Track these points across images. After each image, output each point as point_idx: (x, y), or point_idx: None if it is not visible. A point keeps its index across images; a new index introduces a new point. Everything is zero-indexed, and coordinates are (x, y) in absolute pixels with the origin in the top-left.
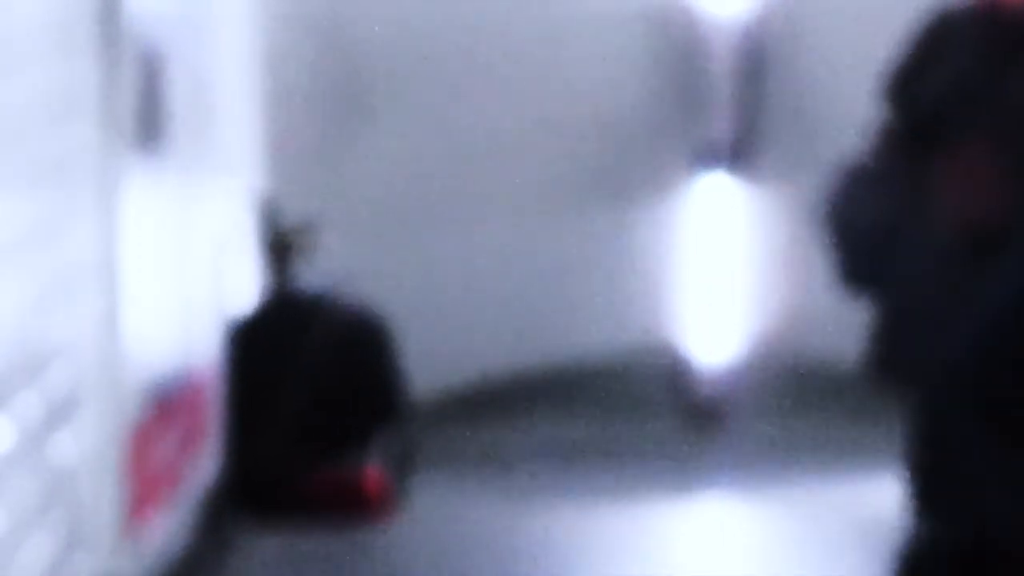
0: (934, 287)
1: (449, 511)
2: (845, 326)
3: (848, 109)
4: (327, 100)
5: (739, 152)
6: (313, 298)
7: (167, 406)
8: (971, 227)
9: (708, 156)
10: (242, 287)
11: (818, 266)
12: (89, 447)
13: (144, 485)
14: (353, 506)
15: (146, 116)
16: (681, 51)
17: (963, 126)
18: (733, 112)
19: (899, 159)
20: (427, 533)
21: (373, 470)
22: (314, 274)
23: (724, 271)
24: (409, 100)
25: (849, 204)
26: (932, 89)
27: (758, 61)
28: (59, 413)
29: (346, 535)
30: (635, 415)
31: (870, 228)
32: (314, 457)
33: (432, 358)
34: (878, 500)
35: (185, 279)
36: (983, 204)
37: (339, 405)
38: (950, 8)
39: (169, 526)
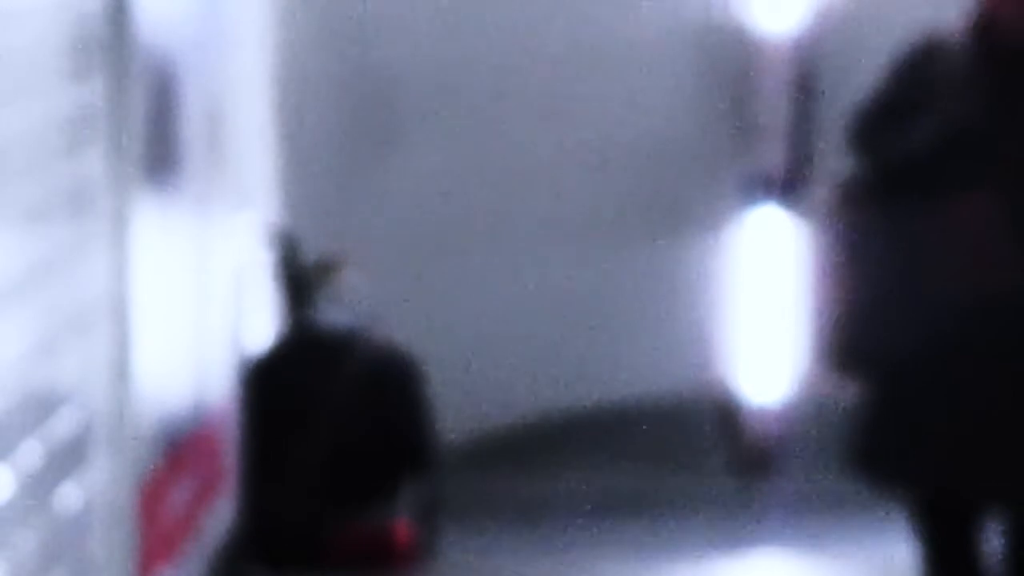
0: (923, 374)
1: (480, 565)
2: None
3: None
4: (350, 126)
5: (791, 183)
6: (337, 337)
7: (181, 453)
8: (973, 293)
9: (759, 187)
10: (261, 326)
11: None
12: (98, 498)
13: (157, 538)
14: (382, 560)
15: (158, 145)
16: (731, 75)
17: (962, 174)
18: (785, 142)
19: (872, 218)
20: None
21: (403, 522)
22: (337, 312)
23: (776, 308)
24: (439, 126)
25: (828, 278)
26: (923, 131)
27: (811, 85)
28: (66, 462)
29: None
30: (681, 461)
31: (850, 304)
32: (339, 507)
33: (463, 401)
34: None
35: (200, 318)
36: (987, 266)
37: (366, 451)
38: (936, 34)
39: None
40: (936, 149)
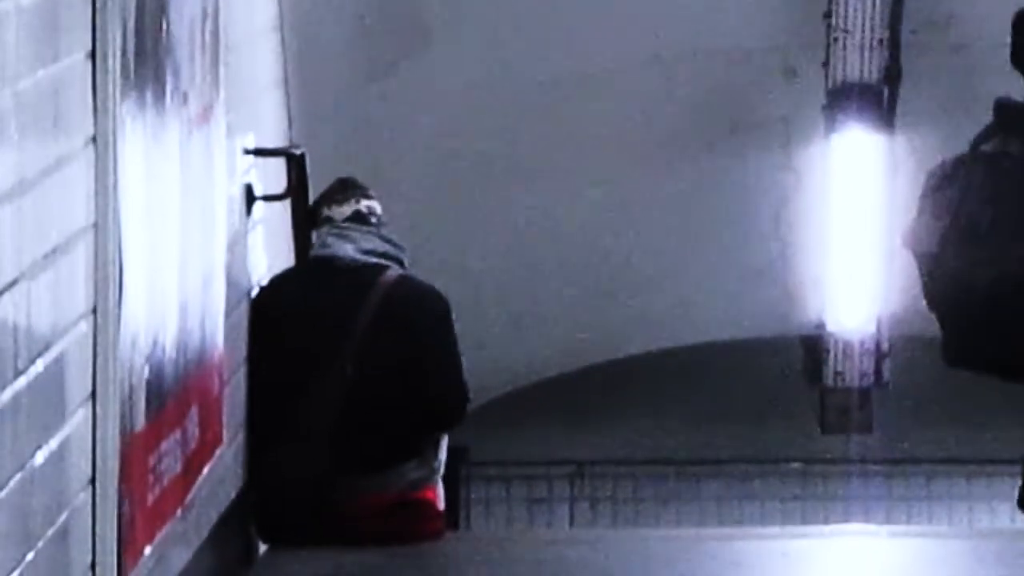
0: None
1: (519, 537)
2: None
3: (999, 49)
4: (369, 31)
5: (879, 98)
6: (353, 272)
7: (175, 407)
8: None
9: (846, 103)
10: (268, 260)
11: None
12: (80, 461)
13: (148, 503)
14: (410, 531)
15: (146, 49)
16: None
17: None
18: (875, 52)
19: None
20: (492, 551)
21: (434, 485)
22: (355, 243)
23: (865, 236)
24: (471, 30)
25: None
26: None
27: None
28: (44, 420)
29: (396, 552)
30: (758, 410)
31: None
32: (358, 468)
33: (500, 349)
34: None
35: (197, 250)
36: None
37: (385, 401)
38: None
39: (179, 552)
40: None
